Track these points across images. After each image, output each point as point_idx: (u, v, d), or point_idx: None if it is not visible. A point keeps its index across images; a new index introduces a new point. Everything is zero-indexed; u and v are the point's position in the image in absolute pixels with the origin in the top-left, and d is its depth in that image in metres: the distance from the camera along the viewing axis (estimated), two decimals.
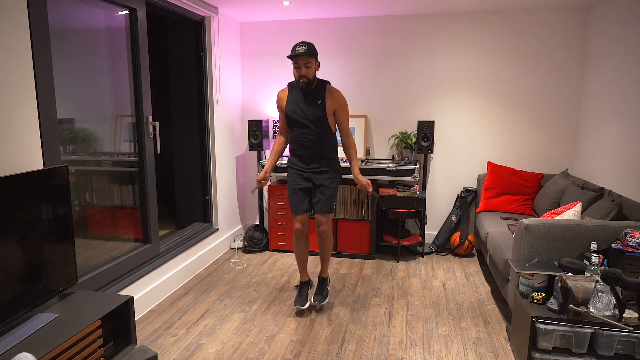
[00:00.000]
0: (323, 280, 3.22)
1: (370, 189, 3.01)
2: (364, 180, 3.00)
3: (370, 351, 2.63)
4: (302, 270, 3.20)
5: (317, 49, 4.50)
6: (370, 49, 4.41)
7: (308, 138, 2.93)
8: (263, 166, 4.25)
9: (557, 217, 2.87)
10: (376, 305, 3.23)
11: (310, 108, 2.89)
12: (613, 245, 2.42)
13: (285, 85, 3.00)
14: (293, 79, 4.56)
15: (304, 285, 3.19)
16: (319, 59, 2.91)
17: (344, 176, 4.08)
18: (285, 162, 4.22)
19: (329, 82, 2.96)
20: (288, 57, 2.78)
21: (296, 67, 2.80)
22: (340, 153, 4.44)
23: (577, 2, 3.82)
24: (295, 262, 4.12)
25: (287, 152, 4.73)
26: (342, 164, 4.03)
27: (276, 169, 4.22)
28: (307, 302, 3.09)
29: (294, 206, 3.04)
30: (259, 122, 4.30)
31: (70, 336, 1.91)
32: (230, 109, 4.48)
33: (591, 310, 2.22)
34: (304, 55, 2.75)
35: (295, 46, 2.78)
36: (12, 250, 1.89)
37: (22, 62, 2.12)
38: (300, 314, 3.09)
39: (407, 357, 2.58)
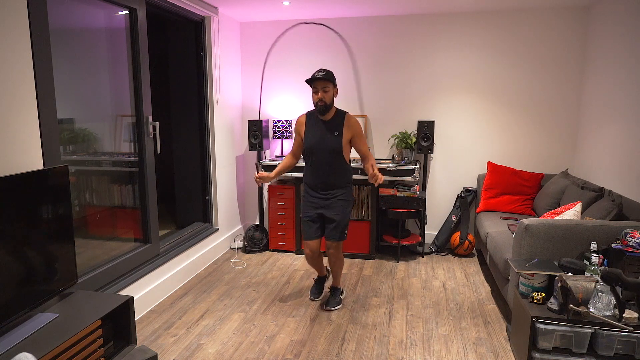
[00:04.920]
0: (335, 289, 3.24)
1: (379, 181, 2.84)
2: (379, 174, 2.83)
3: (370, 351, 2.63)
4: (319, 269, 3.30)
5: (317, 49, 4.50)
6: (371, 49, 4.41)
7: (323, 169, 2.97)
8: (263, 166, 4.25)
9: (557, 217, 2.87)
10: (376, 305, 3.23)
11: (328, 140, 2.94)
12: (613, 245, 2.42)
13: (303, 112, 3.12)
14: (293, 82, 4.59)
15: (320, 280, 3.32)
16: (337, 86, 2.96)
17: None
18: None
19: (347, 112, 3.00)
20: (307, 81, 2.85)
21: (314, 91, 2.87)
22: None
23: (577, 2, 3.82)
24: (295, 262, 4.12)
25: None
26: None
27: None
28: (321, 294, 3.23)
29: (305, 233, 3.09)
30: (259, 122, 4.30)
31: (70, 336, 1.91)
32: (230, 109, 4.48)
33: (591, 310, 2.22)
34: (323, 80, 2.82)
35: (314, 72, 2.84)
36: (12, 250, 1.89)
37: (22, 62, 2.12)
38: (300, 313, 3.09)
39: (407, 357, 2.58)
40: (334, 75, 2.97)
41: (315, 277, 3.37)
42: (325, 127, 2.96)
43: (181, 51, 4.01)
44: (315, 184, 3.02)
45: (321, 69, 2.88)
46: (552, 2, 3.82)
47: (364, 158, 3.00)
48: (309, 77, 2.90)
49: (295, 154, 3.15)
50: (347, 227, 3.05)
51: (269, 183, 4.58)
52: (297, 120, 3.07)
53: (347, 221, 3.04)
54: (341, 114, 2.98)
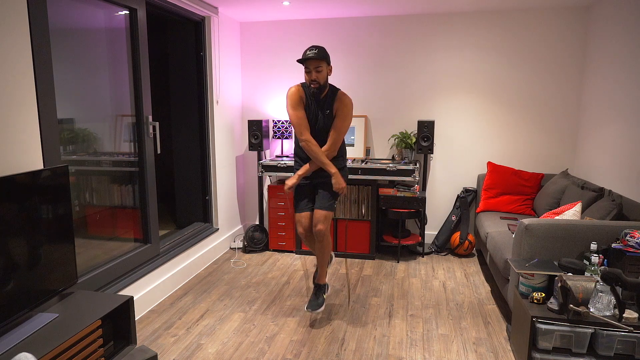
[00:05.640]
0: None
1: (342, 192, 2.88)
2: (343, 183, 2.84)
3: (370, 351, 2.63)
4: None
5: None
6: (371, 49, 4.41)
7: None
8: (263, 166, 4.24)
9: (557, 217, 2.87)
10: (376, 305, 3.23)
11: (320, 117, 2.82)
12: (613, 245, 2.42)
13: (294, 85, 2.89)
14: (294, 82, 4.59)
15: (320, 288, 3.05)
16: (330, 63, 2.79)
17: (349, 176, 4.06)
18: (285, 162, 4.22)
19: (339, 90, 2.85)
20: (298, 60, 2.70)
21: (307, 71, 2.71)
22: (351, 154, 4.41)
23: (577, 2, 3.82)
24: (295, 262, 4.12)
25: (291, 151, 4.73)
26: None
27: (277, 169, 4.22)
28: (322, 307, 2.94)
29: (296, 204, 2.96)
30: (259, 122, 4.30)
31: (70, 336, 1.91)
32: (230, 109, 4.48)
33: (591, 310, 2.22)
34: (315, 59, 2.66)
35: (306, 50, 2.70)
36: (12, 250, 1.89)
37: (22, 62, 2.12)
38: (300, 314, 3.09)
39: (407, 357, 2.58)
40: (327, 52, 2.76)
41: (315, 283, 3.12)
42: (318, 105, 2.81)
43: (181, 51, 4.01)
44: (308, 160, 2.88)
45: (313, 46, 2.68)
46: (552, 2, 3.82)
47: (330, 137, 2.79)
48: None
49: (308, 130, 2.81)
50: (336, 198, 2.90)
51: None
52: (292, 92, 2.79)
53: (335, 200, 2.89)
54: (334, 91, 2.82)
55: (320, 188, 2.91)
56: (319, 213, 2.85)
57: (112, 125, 2.97)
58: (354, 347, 2.68)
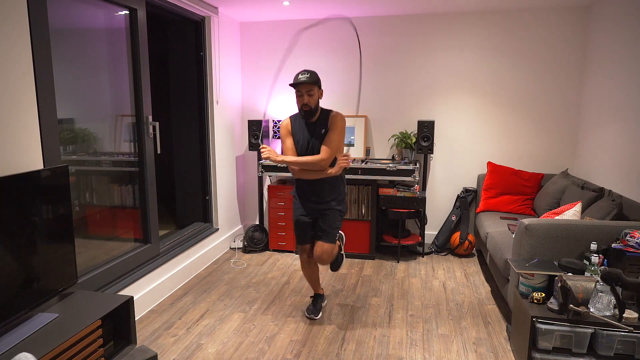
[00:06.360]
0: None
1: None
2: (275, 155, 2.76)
3: (370, 351, 2.63)
4: (314, 285, 3.14)
5: (318, 49, 4.50)
6: (371, 49, 4.41)
7: (313, 174, 2.80)
8: (263, 166, 4.24)
9: (557, 217, 2.87)
10: (376, 305, 3.23)
11: (315, 140, 2.79)
12: (613, 245, 2.42)
13: (285, 118, 2.94)
14: (292, 79, 4.59)
15: (318, 298, 3.13)
16: (322, 87, 2.82)
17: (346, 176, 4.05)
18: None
19: (332, 111, 2.84)
20: (290, 85, 2.71)
21: (298, 95, 2.72)
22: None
23: (577, 2, 3.82)
24: (295, 262, 4.12)
25: None
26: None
27: (277, 169, 4.21)
28: (319, 313, 3.06)
29: (298, 237, 2.96)
30: (259, 122, 4.30)
31: (70, 336, 1.91)
32: (230, 109, 4.49)
33: (591, 310, 2.22)
34: (307, 84, 2.68)
35: (297, 74, 2.71)
36: (12, 250, 1.89)
37: (22, 62, 2.12)
38: (300, 313, 3.09)
39: (407, 357, 2.58)
40: (319, 76, 2.78)
41: (312, 296, 3.19)
42: (311, 130, 2.81)
43: (181, 51, 4.01)
44: (306, 187, 2.87)
45: (304, 71, 2.71)
46: (552, 2, 3.82)
47: (322, 150, 2.75)
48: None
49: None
50: (338, 230, 2.92)
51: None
52: (282, 125, 2.89)
53: (339, 224, 2.90)
54: (326, 113, 2.83)
55: (321, 221, 2.87)
56: (323, 247, 2.84)
57: (112, 125, 2.97)
58: (354, 347, 2.68)
